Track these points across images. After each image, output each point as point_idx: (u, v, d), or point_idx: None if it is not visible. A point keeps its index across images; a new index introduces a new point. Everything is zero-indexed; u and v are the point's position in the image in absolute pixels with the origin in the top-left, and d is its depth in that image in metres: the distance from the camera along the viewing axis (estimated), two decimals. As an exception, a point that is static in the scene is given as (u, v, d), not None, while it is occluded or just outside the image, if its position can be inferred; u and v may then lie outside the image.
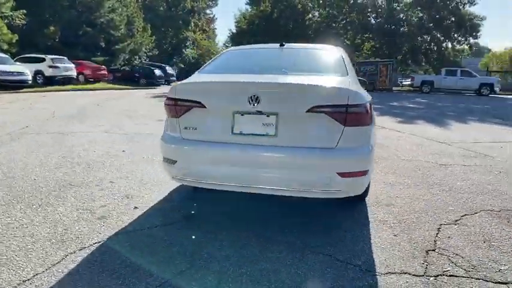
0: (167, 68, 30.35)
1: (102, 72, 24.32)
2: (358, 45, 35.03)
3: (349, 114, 2.26)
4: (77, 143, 5.30)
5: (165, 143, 2.63)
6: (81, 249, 2.24)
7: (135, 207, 2.94)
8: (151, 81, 26.06)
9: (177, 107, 2.54)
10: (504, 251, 2.33)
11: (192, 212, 2.94)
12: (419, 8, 31.18)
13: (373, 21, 33.64)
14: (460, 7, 29.65)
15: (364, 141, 2.38)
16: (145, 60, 31.94)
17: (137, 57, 30.51)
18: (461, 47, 32.13)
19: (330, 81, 2.53)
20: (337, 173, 2.24)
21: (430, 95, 23.13)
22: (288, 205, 3.04)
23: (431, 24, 29.87)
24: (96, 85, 21.51)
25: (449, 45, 31.74)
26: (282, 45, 3.41)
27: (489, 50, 49.17)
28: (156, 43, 33.69)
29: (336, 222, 2.78)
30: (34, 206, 2.91)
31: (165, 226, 2.64)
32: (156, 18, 36.16)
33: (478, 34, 30.40)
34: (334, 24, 34.48)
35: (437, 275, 2.04)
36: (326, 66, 3.14)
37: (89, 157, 4.52)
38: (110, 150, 4.94)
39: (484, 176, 4.10)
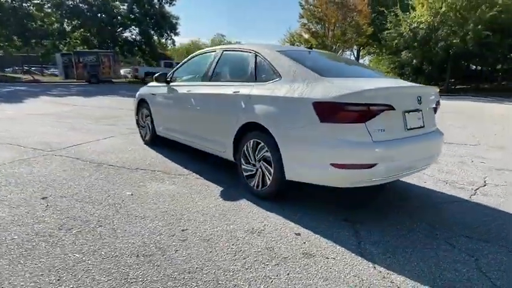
0: None
1: None
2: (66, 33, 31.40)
3: None
4: None
5: (357, 149, 2.53)
6: None
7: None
8: None
9: (369, 112, 2.56)
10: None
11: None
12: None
13: (83, 7, 31.04)
14: (163, 4, 33.28)
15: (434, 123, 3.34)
16: None
17: None
18: (166, 41, 36.30)
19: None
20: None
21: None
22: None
23: (142, 17, 31.62)
24: None
25: (157, 39, 34.99)
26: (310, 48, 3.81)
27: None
28: None
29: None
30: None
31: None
32: None
33: (177, 31, 35.45)
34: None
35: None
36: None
37: None
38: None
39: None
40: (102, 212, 2.80)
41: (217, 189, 3.43)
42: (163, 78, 4.58)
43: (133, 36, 34.10)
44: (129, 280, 1.91)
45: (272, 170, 2.97)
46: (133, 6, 32.71)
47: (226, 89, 3.54)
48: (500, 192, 3.60)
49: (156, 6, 33.54)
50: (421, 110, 2.95)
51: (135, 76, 28.93)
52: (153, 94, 4.92)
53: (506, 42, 23.74)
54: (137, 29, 33.57)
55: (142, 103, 5.29)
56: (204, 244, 2.34)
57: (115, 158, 4.50)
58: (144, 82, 26.61)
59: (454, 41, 24.13)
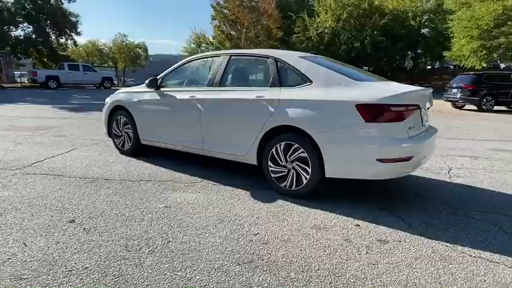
0: None
1: None
2: None
3: None
4: None
5: (403, 145, 2.88)
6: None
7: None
8: None
9: (406, 111, 2.93)
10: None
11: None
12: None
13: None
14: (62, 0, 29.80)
15: None
16: None
17: None
18: (66, 41, 32.65)
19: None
20: None
21: (57, 90, 22.92)
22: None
23: (37, 14, 27.82)
24: None
25: (55, 39, 31.23)
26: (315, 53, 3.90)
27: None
28: None
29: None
30: None
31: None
32: None
33: (79, 31, 32.18)
34: None
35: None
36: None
37: None
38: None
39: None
40: (155, 228, 2.63)
41: (245, 193, 3.46)
42: (155, 84, 4.34)
43: (27, 35, 29.66)
44: (250, 287, 1.92)
45: (310, 170, 3.16)
46: (24, 1, 28.52)
47: (246, 94, 3.59)
48: (465, 173, 4.43)
49: (52, 2, 29.80)
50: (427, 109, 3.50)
51: (33, 80, 25.27)
52: (136, 101, 4.60)
53: (397, 46, 27.86)
54: (31, 26, 29.35)
55: (117, 111, 4.88)
56: (289, 244, 2.43)
57: (104, 171, 4.10)
58: (47, 87, 23.52)
59: (356, 44, 27.30)
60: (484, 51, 18.89)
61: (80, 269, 2.06)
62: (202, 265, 2.13)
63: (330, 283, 1.98)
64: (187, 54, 51.47)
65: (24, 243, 2.35)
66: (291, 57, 3.54)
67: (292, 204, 3.18)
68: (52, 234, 2.49)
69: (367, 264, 2.19)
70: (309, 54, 3.86)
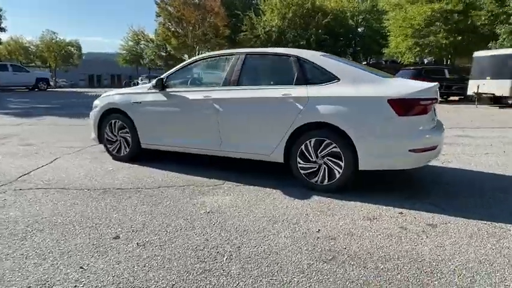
0: None
1: None
2: None
3: None
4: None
5: (429, 135, 3.20)
6: None
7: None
8: None
9: (430, 104, 3.22)
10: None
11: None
12: None
13: None
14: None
15: None
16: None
17: None
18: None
19: None
20: None
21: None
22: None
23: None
24: None
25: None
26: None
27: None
28: None
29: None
30: None
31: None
32: None
33: (3, 26, 28.94)
34: None
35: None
36: None
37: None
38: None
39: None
40: (213, 235, 2.51)
41: (275, 192, 3.44)
42: (161, 85, 4.09)
43: None
44: (352, 282, 1.94)
45: (343, 164, 3.26)
46: None
47: (270, 92, 3.57)
48: (452, 159, 4.89)
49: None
50: None
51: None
52: (136, 102, 4.29)
53: (338, 44, 29.40)
54: None
55: (110, 114, 4.52)
56: (355, 237, 2.49)
57: (111, 180, 3.79)
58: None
59: (302, 42, 28.26)
60: (418, 48, 20.87)
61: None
62: (291, 267, 2.10)
63: (418, 268, 2.08)
64: (125, 52, 48.88)
65: (81, 267, 2.10)
66: (313, 55, 3.60)
67: (329, 199, 3.24)
68: (106, 254, 2.25)
69: (435, 247, 2.34)
70: (322, 53, 3.94)
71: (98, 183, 3.71)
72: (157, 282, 1.95)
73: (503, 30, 15.48)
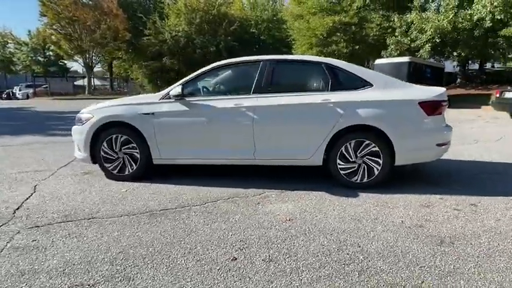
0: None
1: None
2: None
3: None
4: None
5: (447, 132, 3.76)
6: None
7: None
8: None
9: (445, 106, 3.73)
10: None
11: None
12: None
13: None
14: None
15: None
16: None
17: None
18: None
19: None
20: None
21: None
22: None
23: None
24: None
25: None
26: None
27: None
28: None
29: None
30: None
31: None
32: None
33: None
34: None
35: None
36: None
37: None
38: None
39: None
40: (333, 239, 2.55)
41: (324, 194, 3.54)
42: (180, 94, 3.79)
43: None
44: (473, 256, 2.27)
45: (381, 161, 3.61)
46: None
47: (307, 98, 3.70)
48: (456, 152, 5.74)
49: None
50: None
51: None
52: (147, 114, 3.88)
53: (246, 51, 30.47)
54: None
55: (108, 129, 3.98)
56: (436, 223, 2.84)
57: (140, 202, 3.39)
58: None
59: (211, 49, 28.41)
60: (322, 56, 23.19)
61: (349, 293, 1.91)
62: (420, 254, 2.31)
63: (496, 234, 2.53)
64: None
65: (237, 294, 1.92)
66: (342, 63, 3.86)
67: (373, 194, 3.53)
68: (245, 278, 2.09)
69: (494, 222, 2.86)
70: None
71: (128, 207, 3.26)
72: (331, 292, 1.93)
73: (391, 41, 18.54)
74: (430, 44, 17.49)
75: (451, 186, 3.82)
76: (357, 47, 21.44)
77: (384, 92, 3.65)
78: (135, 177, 4.03)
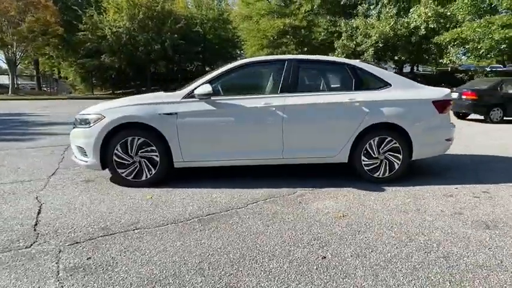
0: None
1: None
2: None
3: None
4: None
5: (453, 128, 4.13)
6: None
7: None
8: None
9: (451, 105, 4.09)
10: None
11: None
12: None
13: None
14: None
15: None
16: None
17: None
18: None
19: None
20: None
21: None
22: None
23: None
24: None
25: None
26: None
27: None
28: None
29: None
30: None
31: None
32: None
33: None
34: None
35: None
36: None
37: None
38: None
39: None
40: (404, 231, 2.66)
41: (355, 190, 3.66)
42: (210, 92, 3.62)
43: None
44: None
45: (401, 156, 3.87)
46: None
47: (334, 97, 3.80)
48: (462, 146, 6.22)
49: None
50: None
51: None
52: (168, 114, 3.64)
53: (193, 50, 29.84)
54: None
55: (121, 131, 3.65)
56: (470, 209, 3.13)
57: (176, 209, 3.18)
58: None
59: (156, 47, 27.27)
60: (273, 57, 23.67)
61: None
62: (473, 239, 2.55)
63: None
64: None
65: (353, 291, 1.94)
66: (362, 63, 4.03)
67: (396, 187, 3.75)
68: (351, 275, 2.11)
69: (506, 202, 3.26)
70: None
71: (168, 214, 3.04)
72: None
73: (338, 44, 19.69)
74: (373, 49, 18.96)
75: (453, 176, 4.22)
76: (306, 49, 22.31)
77: (402, 91, 3.91)
78: (152, 183, 3.75)
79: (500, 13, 13.87)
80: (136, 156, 3.70)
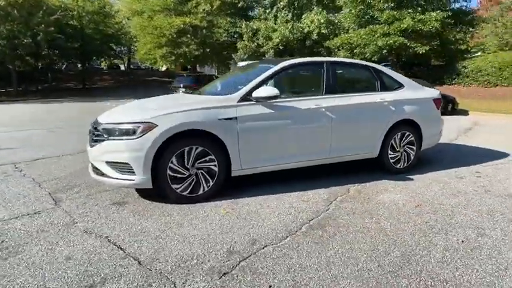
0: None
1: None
2: None
3: None
4: None
5: (442, 122, 4.86)
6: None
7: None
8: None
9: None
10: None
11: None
12: None
13: None
14: None
15: None
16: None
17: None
18: None
19: None
20: None
21: None
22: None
23: None
24: None
25: None
26: None
27: None
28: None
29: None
30: None
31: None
32: None
33: None
34: None
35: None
36: None
37: None
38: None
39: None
40: (495, 214, 3.14)
41: (395, 182, 4.00)
42: (277, 95, 3.44)
43: None
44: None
45: (415, 148, 4.48)
46: None
47: (368, 97, 4.12)
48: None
49: None
50: None
51: None
52: (227, 119, 3.31)
53: (71, 45, 26.09)
54: None
55: (177, 141, 3.17)
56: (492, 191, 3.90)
57: (273, 219, 3.00)
58: None
59: (25, 40, 22.82)
60: (173, 57, 22.72)
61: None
62: (532, 207, 3.27)
63: (535, 188, 3.85)
64: None
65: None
66: (379, 66, 4.46)
67: (418, 175, 4.30)
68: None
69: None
70: None
71: (276, 226, 2.83)
72: None
73: (240, 45, 20.29)
74: (273, 51, 20.31)
75: (442, 163, 5.07)
76: (208, 49, 22.24)
77: (412, 91, 4.52)
78: (210, 196, 3.37)
79: (381, 24, 16.76)
80: (192, 168, 3.26)
